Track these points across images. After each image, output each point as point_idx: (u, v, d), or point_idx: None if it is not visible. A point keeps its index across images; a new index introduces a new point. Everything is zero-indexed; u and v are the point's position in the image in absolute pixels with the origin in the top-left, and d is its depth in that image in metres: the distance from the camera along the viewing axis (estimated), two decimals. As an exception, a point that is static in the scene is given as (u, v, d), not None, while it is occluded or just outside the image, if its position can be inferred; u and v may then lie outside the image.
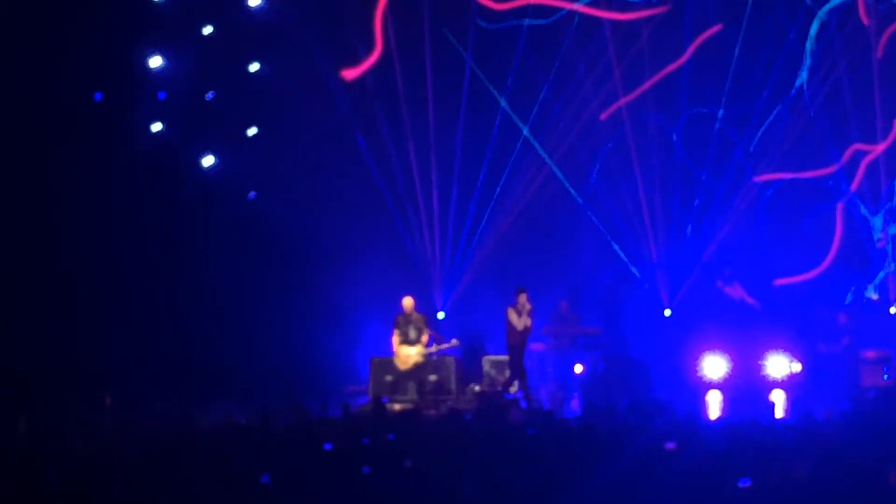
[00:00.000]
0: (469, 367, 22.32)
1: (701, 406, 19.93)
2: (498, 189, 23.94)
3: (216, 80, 22.91)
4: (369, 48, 23.45)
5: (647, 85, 23.61)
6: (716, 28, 23.34)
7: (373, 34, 23.42)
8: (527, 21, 23.48)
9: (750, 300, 22.22)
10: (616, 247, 23.93)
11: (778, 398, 21.18)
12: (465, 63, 23.57)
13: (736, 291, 22.01)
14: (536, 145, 23.88)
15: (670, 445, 10.78)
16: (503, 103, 23.68)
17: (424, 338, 21.32)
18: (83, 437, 12.74)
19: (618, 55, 23.67)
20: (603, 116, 23.69)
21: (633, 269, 23.95)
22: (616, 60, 23.67)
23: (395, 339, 21.43)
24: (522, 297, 21.09)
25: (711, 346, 22.30)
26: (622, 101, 23.67)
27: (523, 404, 18.70)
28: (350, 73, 23.16)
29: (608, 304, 23.72)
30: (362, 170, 23.56)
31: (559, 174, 23.85)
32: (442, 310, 23.74)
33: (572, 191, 23.98)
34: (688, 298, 23.52)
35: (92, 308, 21.59)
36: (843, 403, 16.21)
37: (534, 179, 24.01)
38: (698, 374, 22.26)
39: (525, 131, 23.81)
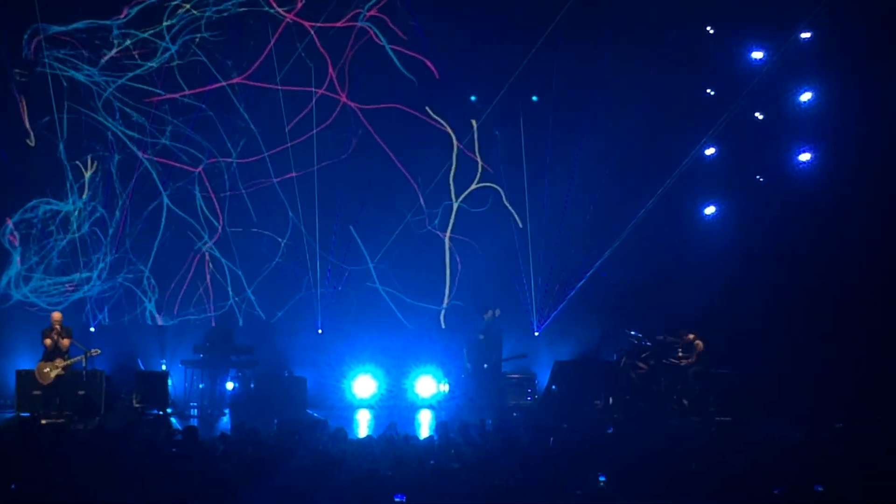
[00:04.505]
0: (120, 382, 21.92)
1: (351, 424, 20.23)
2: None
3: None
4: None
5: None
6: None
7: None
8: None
9: None
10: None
11: (424, 417, 21.73)
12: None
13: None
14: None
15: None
16: None
17: (65, 345, 20.69)
18: None
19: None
20: None
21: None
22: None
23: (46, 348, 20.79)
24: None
25: (363, 365, 22.74)
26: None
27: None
28: None
29: (265, 322, 23.71)
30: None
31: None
32: (93, 325, 23.22)
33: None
34: (341, 318, 23.68)
35: None
36: (487, 423, 16.78)
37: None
38: (350, 393, 22.65)
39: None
